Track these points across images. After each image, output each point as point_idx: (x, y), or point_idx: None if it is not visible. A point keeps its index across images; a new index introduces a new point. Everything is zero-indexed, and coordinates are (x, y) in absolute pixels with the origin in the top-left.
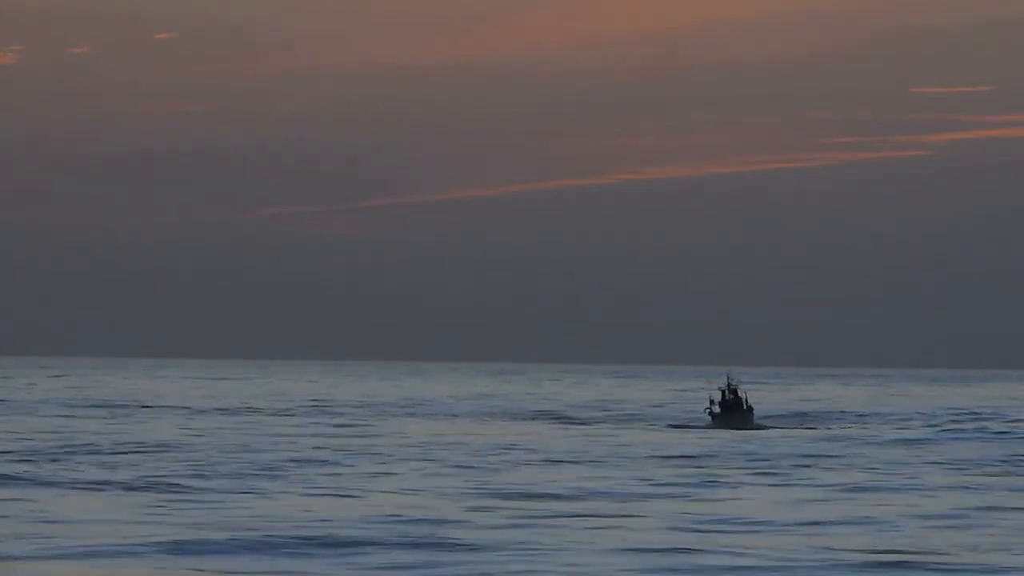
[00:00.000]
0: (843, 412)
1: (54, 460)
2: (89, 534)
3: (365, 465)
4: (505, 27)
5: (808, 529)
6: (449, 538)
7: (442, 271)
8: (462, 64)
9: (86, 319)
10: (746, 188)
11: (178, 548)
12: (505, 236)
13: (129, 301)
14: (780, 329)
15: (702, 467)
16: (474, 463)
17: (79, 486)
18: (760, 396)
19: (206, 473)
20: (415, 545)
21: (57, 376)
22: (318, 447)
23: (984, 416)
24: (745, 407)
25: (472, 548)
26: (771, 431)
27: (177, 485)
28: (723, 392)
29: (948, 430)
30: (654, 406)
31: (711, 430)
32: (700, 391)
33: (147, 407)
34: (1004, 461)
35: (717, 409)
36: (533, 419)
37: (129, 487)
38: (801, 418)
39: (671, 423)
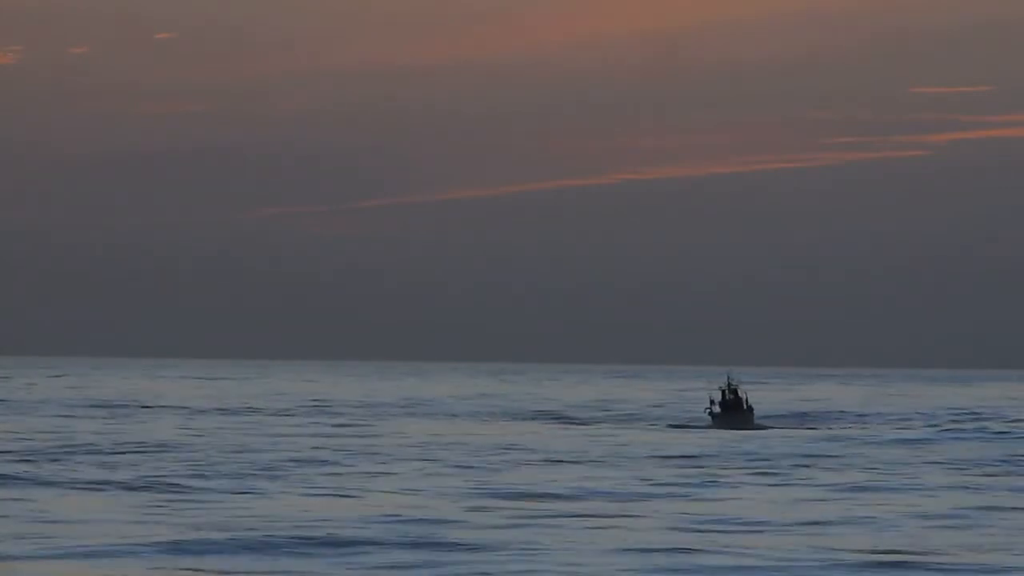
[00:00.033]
0: (843, 412)
1: (54, 460)
2: (89, 534)
3: (365, 465)
4: (505, 27)
5: (808, 529)
6: (449, 538)
7: (442, 271)
8: (462, 64)
9: (86, 319)
10: (746, 188)
11: (178, 548)
12: (505, 236)
13: (129, 301)
14: (780, 329)
15: (702, 467)
16: (474, 463)
17: (79, 486)
18: (760, 396)
19: (206, 473)
20: (415, 545)
21: (57, 376)
22: (318, 447)
23: (984, 416)
24: (745, 407)
25: (472, 548)
26: (771, 431)
27: (177, 485)
28: (723, 392)
29: (948, 430)
30: (654, 406)
31: (711, 430)
32: (700, 391)
33: (147, 407)
34: (1004, 461)
35: (717, 409)
36: (533, 419)
37: (129, 487)
38: (801, 418)
39: (671, 423)
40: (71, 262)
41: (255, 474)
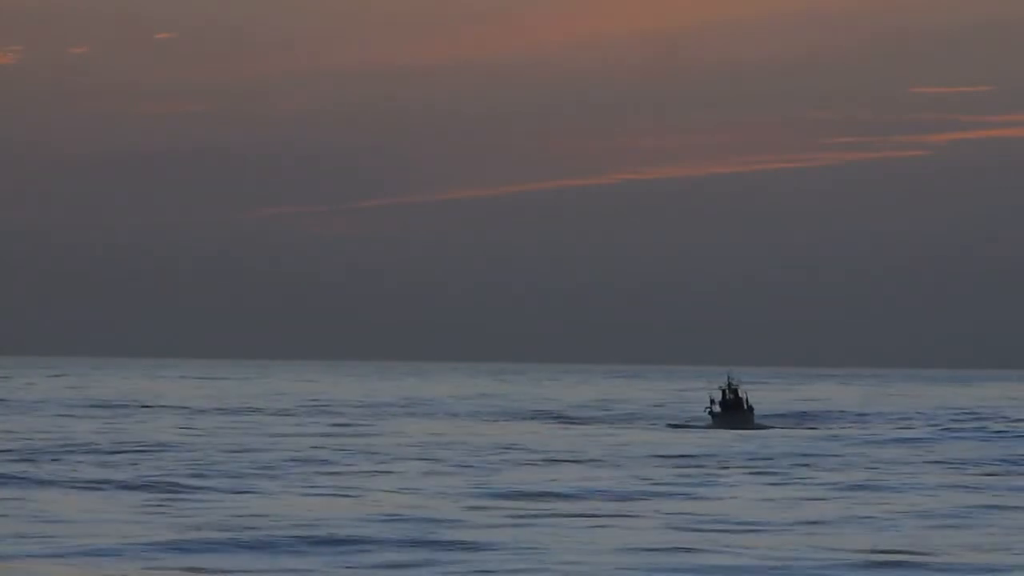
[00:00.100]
0: (843, 412)
1: (54, 460)
2: (89, 533)
3: (365, 465)
4: (505, 27)
5: (808, 529)
6: (448, 537)
7: (442, 271)
8: (462, 64)
9: (86, 319)
10: (746, 188)
11: (178, 547)
12: (505, 236)
13: (129, 301)
14: (780, 329)
15: (702, 467)
16: (474, 463)
17: (79, 486)
18: (760, 396)
19: (206, 472)
20: (414, 544)
21: (57, 376)
22: (317, 447)
23: (984, 416)
24: (745, 407)
25: (471, 547)
26: (771, 431)
27: (177, 485)
28: (723, 392)
29: (948, 430)
30: (654, 406)
31: (711, 430)
32: (700, 391)
33: (147, 407)
34: (1003, 461)
35: (717, 409)
36: (533, 419)
37: (129, 487)
38: (801, 418)
39: (671, 423)
40: (71, 262)
41: (255, 474)
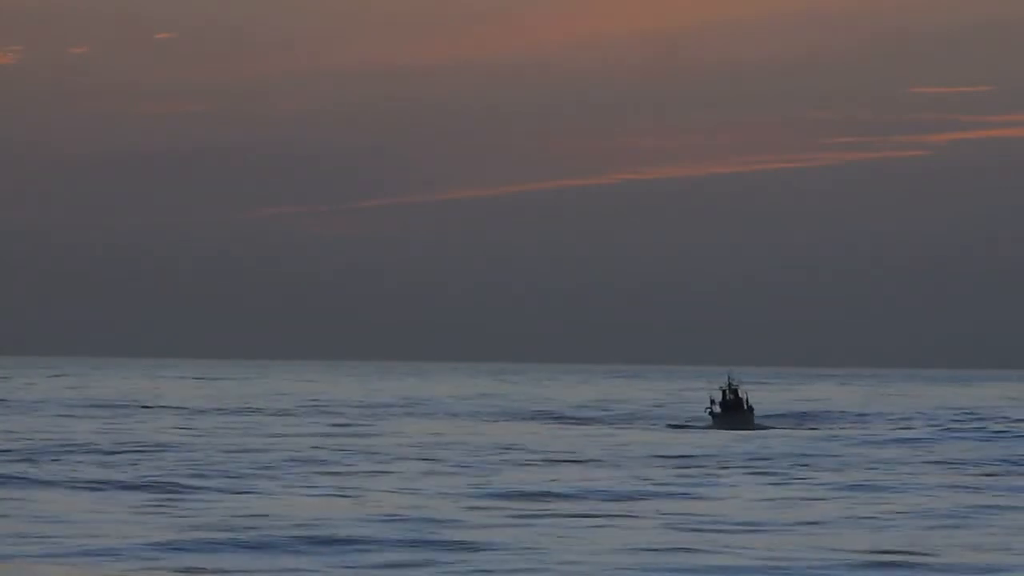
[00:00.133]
0: (843, 412)
1: (54, 460)
2: (89, 533)
3: (364, 464)
4: (505, 27)
5: (807, 529)
6: (448, 537)
7: (442, 271)
8: (462, 64)
9: (86, 319)
10: (746, 188)
11: (178, 547)
12: (505, 236)
13: (129, 301)
14: (780, 329)
15: (702, 467)
16: (474, 463)
17: (79, 486)
18: (760, 396)
19: (205, 473)
20: (414, 544)
21: (57, 376)
22: (317, 447)
23: (983, 416)
24: (746, 407)
25: (471, 547)
26: (771, 431)
27: (177, 485)
28: (724, 392)
29: (948, 430)
30: (654, 406)
31: (711, 430)
32: (700, 391)
33: (147, 407)
34: (1003, 461)
35: (718, 409)
36: (533, 419)
37: (129, 487)
38: (801, 418)
39: (671, 423)
40: (71, 262)
41: (255, 474)
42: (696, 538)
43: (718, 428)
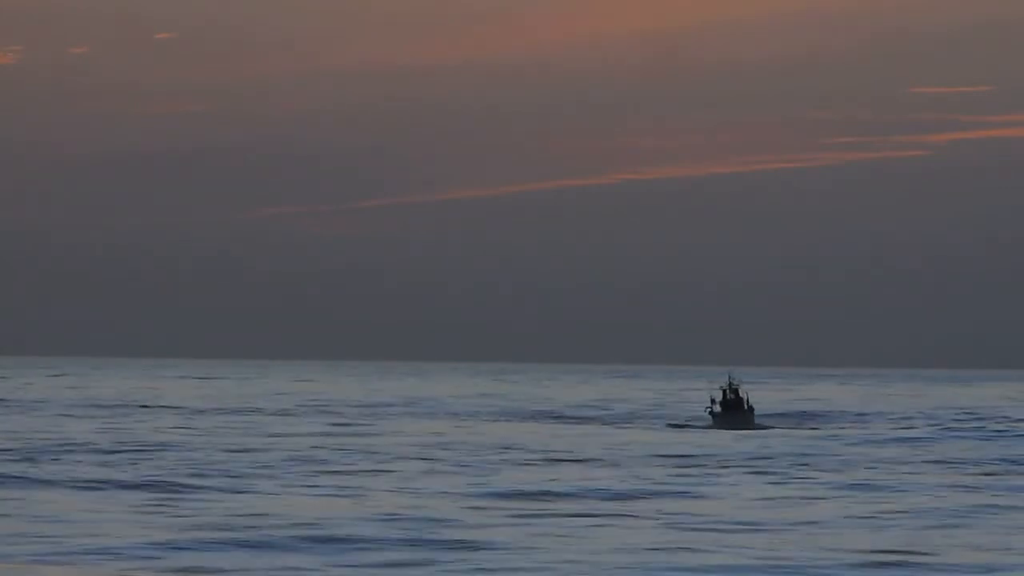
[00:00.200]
0: (843, 412)
1: (54, 460)
2: (89, 533)
3: (364, 464)
4: (505, 27)
5: (807, 529)
6: (448, 537)
7: (442, 271)
8: (462, 64)
9: (86, 319)
10: (746, 188)
11: (177, 547)
12: (505, 236)
13: (129, 301)
14: (780, 329)
15: (702, 466)
16: (473, 463)
17: (79, 486)
18: (760, 396)
19: (205, 472)
20: (414, 544)
21: (57, 376)
22: (317, 447)
23: (983, 416)
24: (746, 407)
25: (471, 547)
26: (771, 431)
27: (177, 484)
28: (724, 392)
29: (948, 429)
30: (654, 406)
31: (711, 430)
32: (701, 391)
33: (147, 407)
34: (1003, 460)
35: (718, 409)
36: (532, 419)
37: (128, 486)
38: (801, 418)
39: (671, 423)
40: (71, 262)
41: (255, 473)
42: (696, 537)
43: (718, 428)
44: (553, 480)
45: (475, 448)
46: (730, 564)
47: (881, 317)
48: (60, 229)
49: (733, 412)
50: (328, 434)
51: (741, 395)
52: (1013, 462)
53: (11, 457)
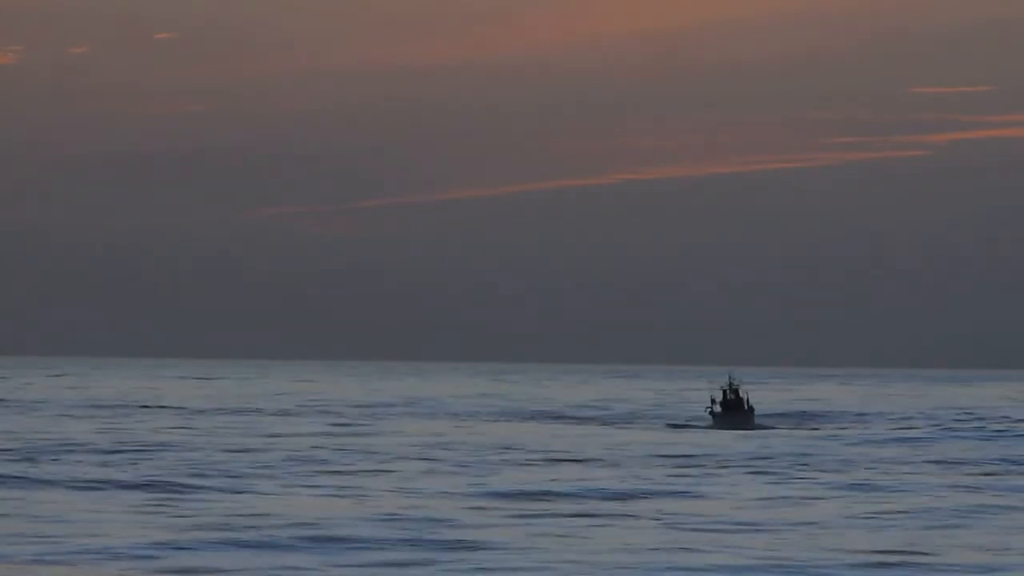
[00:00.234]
0: (843, 412)
1: (54, 460)
2: (89, 533)
3: (364, 464)
4: (505, 27)
5: (807, 529)
6: (448, 536)
7: (442, 271)
8: (462, 64)
9: (86, 319)
10: (746, 188)
11: (177, 546)
12: (505, 236)
13: (129, 301)
14: (780, 329)
15: (702, 466)
16: (474, 463)
17: (79, 486)
18: (760, 396)
19: (205, 472)
20: (414, 544)
21: (57, 376)
22: (317, 447)
23: (983, 416)
24: (746, 407)
25: (471, 547)
26: (771, 431)
27: (177, 484)
28: (724, 392)
29: (948, 429)
30: (654, 406)
31: (711, 430)
32: (701, 391)
33: (147, 407)
34: (1003, 460)
35: (718, 409)
36: (532, 419)
37: (128, 486)
38: (801, 418)
39: (671, 423)
40: (71, 262)
41: (255, 473)
42: (696, 537)
43: (718, 428)
44: (553, 480)
45: (475, 448)
46: (730, 564)
47: (881, 317)
48: (60, 229)
49: (733, 412)
50: (328, 434)
51: (741, 395)
52: (1013, 462)
53: (11, 457)
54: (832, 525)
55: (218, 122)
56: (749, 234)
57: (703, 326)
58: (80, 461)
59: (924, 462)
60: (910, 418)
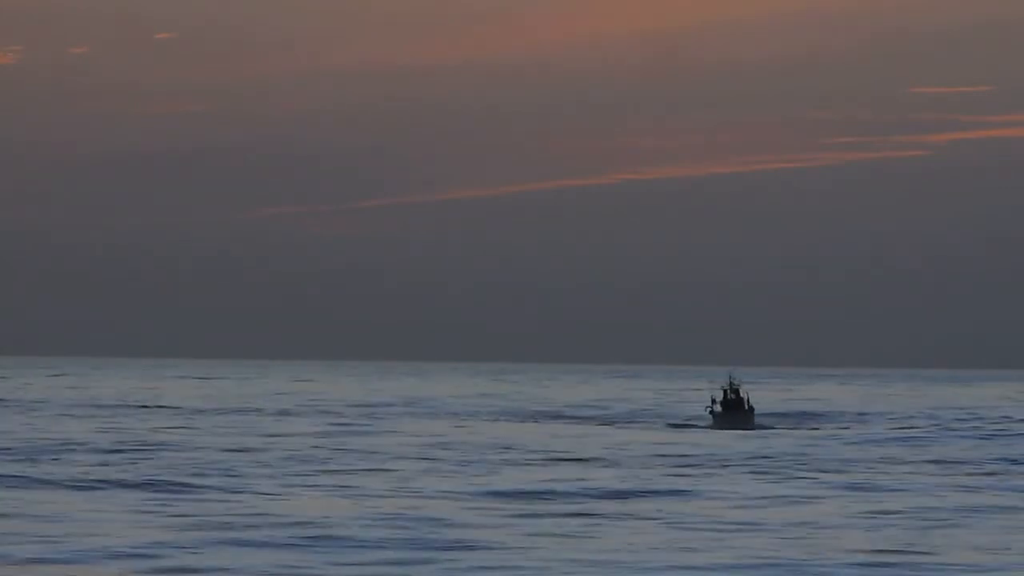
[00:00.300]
0: (843, 412)
1: (54, 460)
2: (89, 533)
3: (364, 464)
4: (505, 27)
5: (807, 528)
6: (448, 536)
7: (442, 271)
8: (462, 64)
9: (86, 319)
10: (746, 188)
11: (177, 546)
12: (505, 236)
13: (129, 301)
14: (780, 329)
15: (702, 466)
16: (474, 463)
17: (78, 485)
18: (760, 396)
19: (205, 472)
20: (414, 544)
21: (57, 376)
22: (317, 446)
23: (983, 416)
24: (747, 407)
25: (471, 547)
26: (771, 431)
27: (176, 484)
28: (725, 392)
29: (947, 429)
30: (654, 406)
31: (711, 430)
32: (701, 391)
33: (147, 407)
34: (1003, 460)
35: (718, 408)
36: (532, 419)
37: (128, 486)
38: (801, 418)
39: (671, 423)
40: (71, 262)
41: (254, 473)
42: (696, 537)
43: (719, 428)
44: (553, 480)
45: (475, 448)
46: (730, 564)
47: (881, 317)
48: (60, 229)
49: (733, 412)
50: (328, 434)
51: (742, 395)
52: (1013, 462)
53: (11, 457)
54: (832, 525)
55: (218, 122)
56: (749, 234)
57: (703, 326)
58: (80, 461)
59: (924, 462)
60: (910, 418)
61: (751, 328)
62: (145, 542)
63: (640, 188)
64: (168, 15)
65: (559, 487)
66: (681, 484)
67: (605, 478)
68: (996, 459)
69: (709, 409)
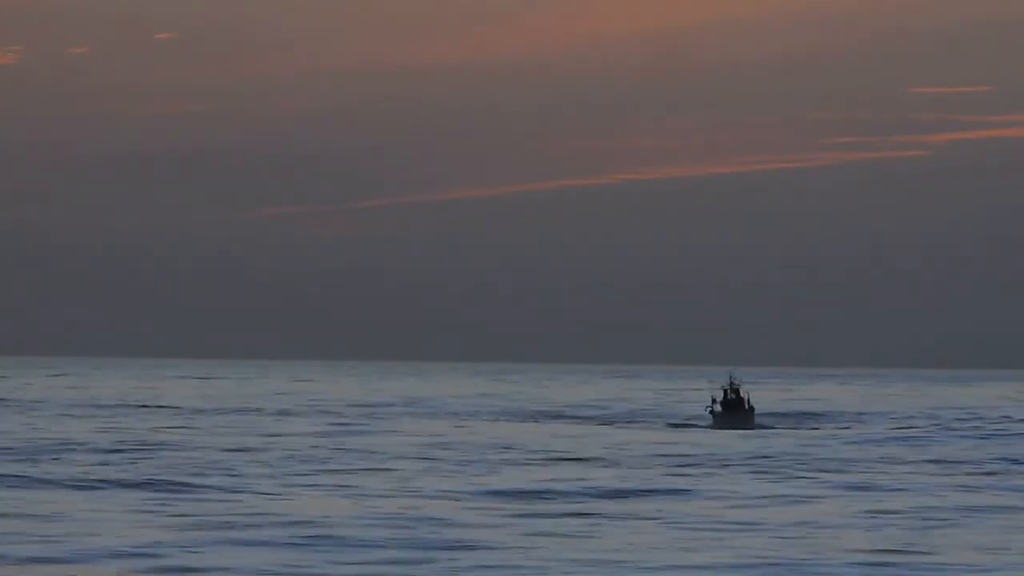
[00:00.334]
0: (843, 412)
1: (54, 460)
2: (89, 533)
3: (364, 464)
4: (505, 27)
5: (807, 528)
6: (447, 536)
7: (442, 271)
8: (462, 64)
9: (86, 319)
10: (746, 188)
11: (177, 545)
12: (505, 236)
13: (129, 301)
14: (780, 329)
15: (702, 466)
16: (474, 462)
17: (78, 485)
18: (760, 396)
19: (205, 471)
20: (414, 544)
21: (57, 376)
22: (317, 446)
23: (982, 416)
24: (747, 407)
25: (471, 547)
26: (771, 430)
27: (176, 483)
28: (725, 392)
29: (947, 429)
30: (654, 406)
31: (711, 430)
32: (701, 391)
33: (147, 407)
34: (1003, 460)
35: (718, 408)
36: (532, 419)
37: (128, 485)
38: (801, 418)
39: (671, 423)
40: (71, 262)
41: (254, 473)
42: (696, 537)
43: (719, 427)
44: (553, 480)
45: (475, 448)
46: (730, 564)
47: (881, 317)
48: (60, 229)
49: (733, 412)
50: (328, 434)
51: (742, 395)
52: (1013, 462)
53: (11, 457)
54: (832, 524)
55: (218, 122)
56: (749, 234)
57: (703, 326)
58: (80, 461)
59: (924, 462)
60: (910, 418)
61: (751, 328)
62: (145, 542)
63: (640, 188)
64: (168, 15)
65: (559, 487)
66: (681, 484)
67: (605, 478)
68: (996, 459)
69: (709, 409)
